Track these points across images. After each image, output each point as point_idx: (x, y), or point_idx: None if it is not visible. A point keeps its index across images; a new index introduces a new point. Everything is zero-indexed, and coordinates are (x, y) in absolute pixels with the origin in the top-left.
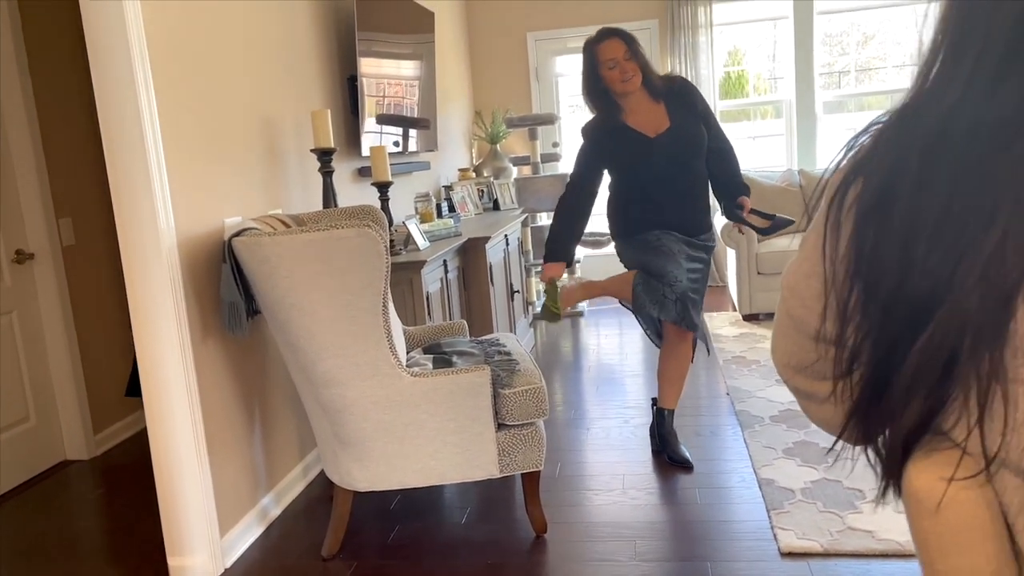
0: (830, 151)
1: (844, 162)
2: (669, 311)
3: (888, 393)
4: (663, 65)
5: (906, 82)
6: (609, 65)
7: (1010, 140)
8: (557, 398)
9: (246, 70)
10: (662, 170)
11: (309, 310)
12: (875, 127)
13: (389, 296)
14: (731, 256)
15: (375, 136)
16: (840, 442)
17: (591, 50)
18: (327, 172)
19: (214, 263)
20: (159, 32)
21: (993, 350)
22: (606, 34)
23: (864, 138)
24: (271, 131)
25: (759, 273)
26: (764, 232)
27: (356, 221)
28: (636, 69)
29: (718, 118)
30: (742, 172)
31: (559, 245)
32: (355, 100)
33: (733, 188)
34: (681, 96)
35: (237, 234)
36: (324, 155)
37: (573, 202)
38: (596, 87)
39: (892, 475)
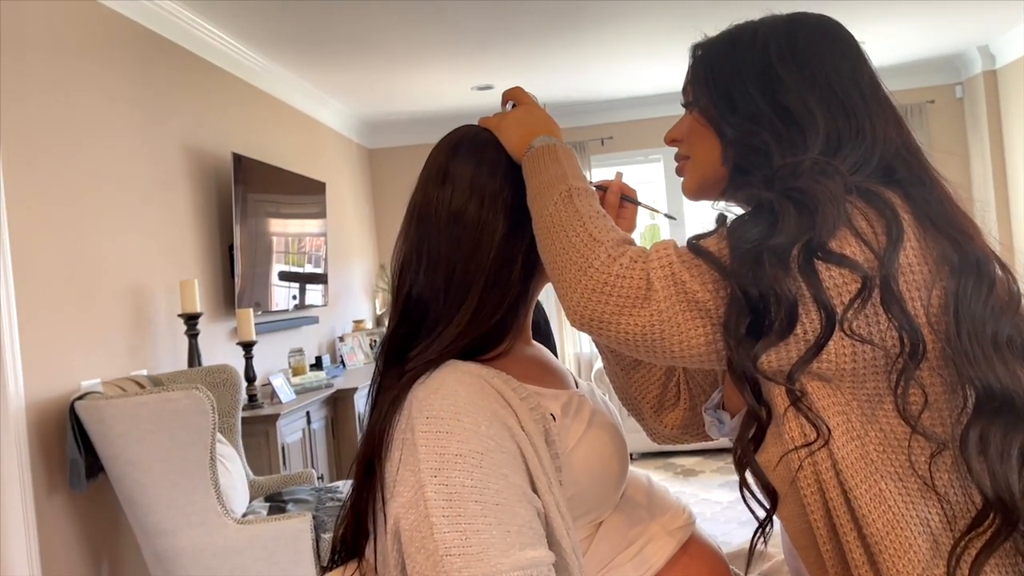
0: None
1: None
2: None
3: None
4: None
5: None
6: None
7: None
8: None
9: (117, 238)
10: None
11: (141, 465)
12: None
13: (237, 445)
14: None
15: (283, 290)
16: None
17: None
18: (193, 335)
19: (67, 423)
20: (20, 206)
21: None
22: None
23: None
24: (141, 296)
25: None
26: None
27: (189, 383)
28: None
29: None
30: None
31: None
32: (233, 266)
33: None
34: None
35: (80, 397)
36: (190, 319)
37: None
38: None
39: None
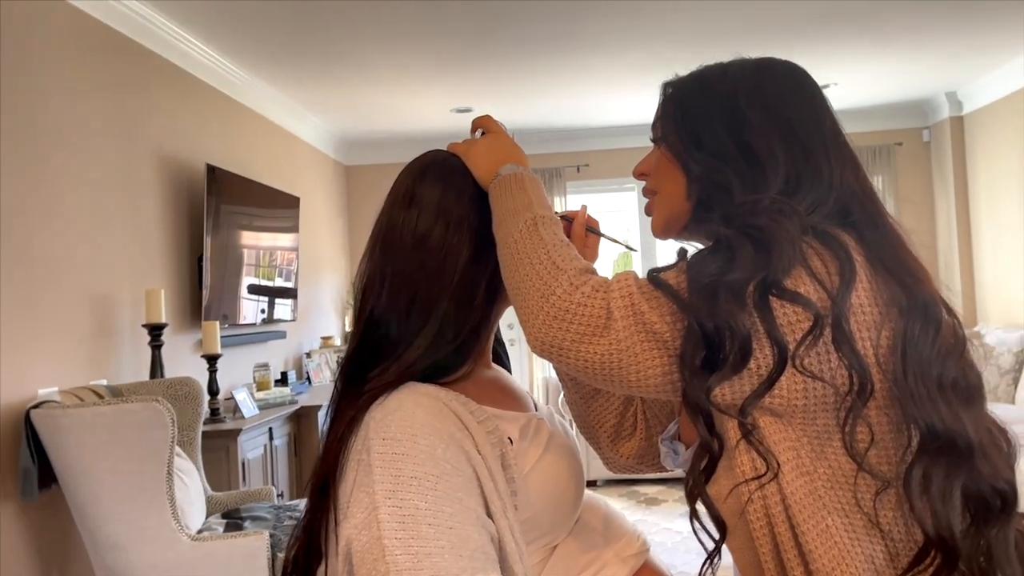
0: None
1: None
2: None
3: None
4: None
5: None
6: None
7: None
8: None
9: (82, 245)
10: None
11: (96, 477)
12: None
13: (196, 460)
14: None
15: (251, 304)
16: None
17: None
18: (156, 346)
19: (21, 432)
20: None
21: None
22: None
23: None
24: (105, 304)
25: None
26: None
27: (149, 395)
28: None
29: None
30: None
31: None
32: (201, 278)
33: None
34: None
35: (36, 406)
36: (154, 330)
37: None
38: None
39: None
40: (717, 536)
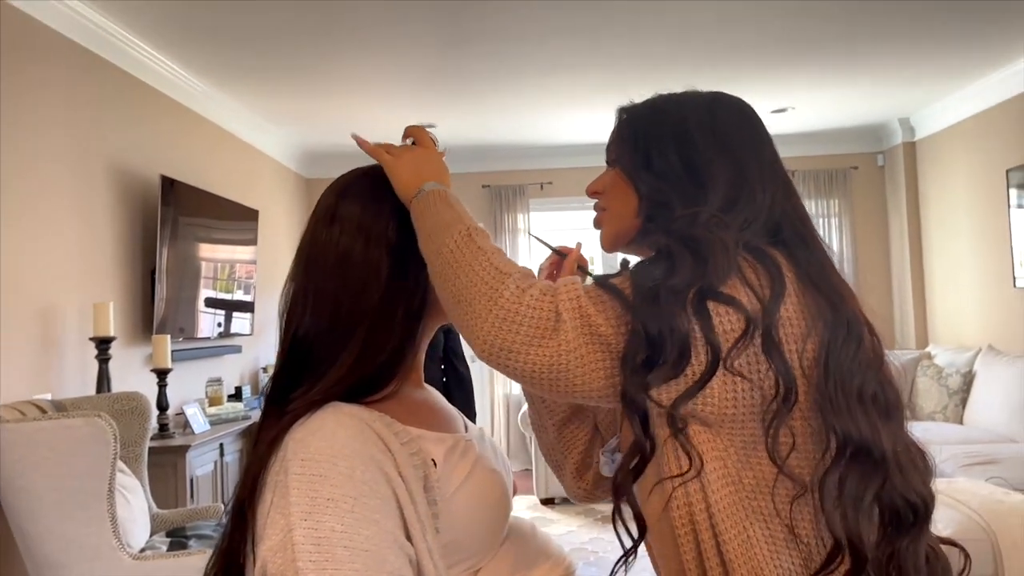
0: None
1: None
2: None
3: None
4: None
5: None
6: None
7: None
8: None
9: (27, 255)
10: None
11: (35, 493)
12: None
13: (142, 476)
14: (532, 439)
15: (208, 317)
16: None
17: None
18: (104, 359)
19: None
20: None
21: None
22: None
23: None
24: (51, 316)
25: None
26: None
27: (92, 410)
28: None
29: None
30: None
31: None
32: (153, 291)
33: None
34: None
35: None
36: (102, 343)
37: None
38: None
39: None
40: (636, 536)
